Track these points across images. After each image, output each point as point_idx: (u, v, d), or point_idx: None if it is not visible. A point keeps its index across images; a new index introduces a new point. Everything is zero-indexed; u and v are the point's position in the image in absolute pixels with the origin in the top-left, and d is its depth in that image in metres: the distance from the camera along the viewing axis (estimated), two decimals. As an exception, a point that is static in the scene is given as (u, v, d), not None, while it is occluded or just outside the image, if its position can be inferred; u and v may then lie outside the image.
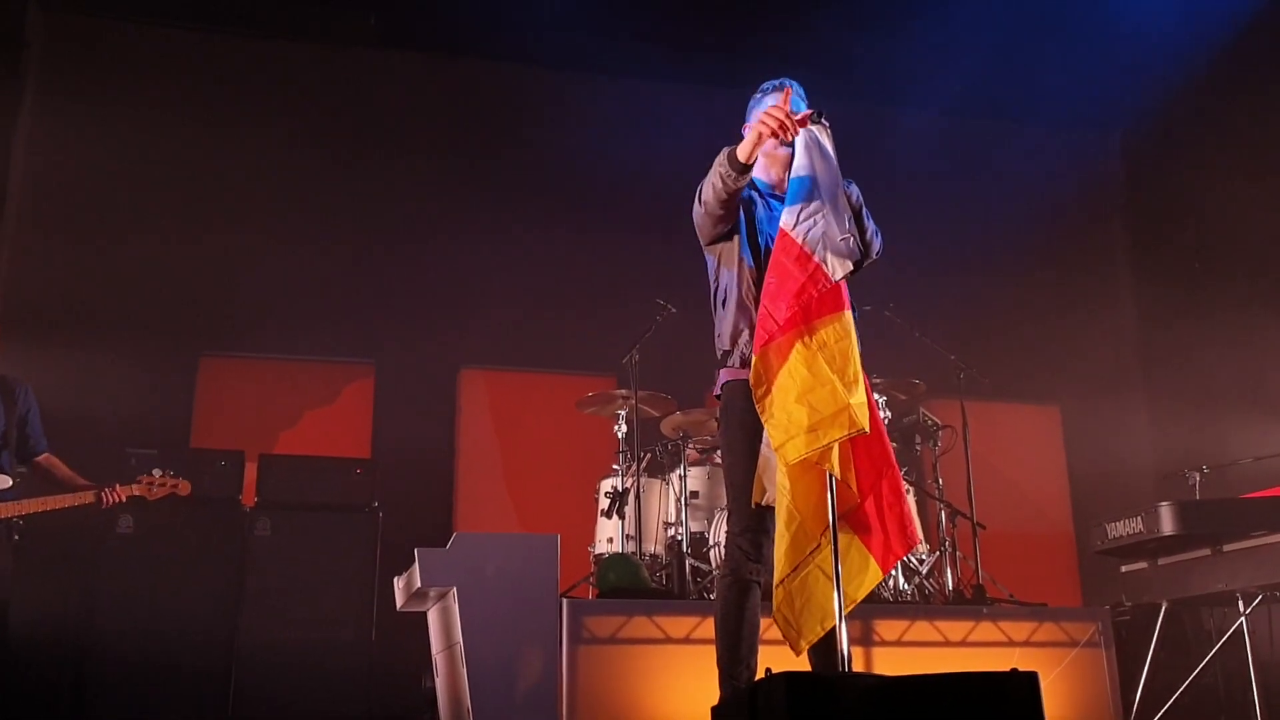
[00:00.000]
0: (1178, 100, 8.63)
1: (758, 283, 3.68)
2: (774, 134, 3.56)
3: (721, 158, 3.64)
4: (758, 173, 3.95)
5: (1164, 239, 9.31)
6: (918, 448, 6.92)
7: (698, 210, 3.81)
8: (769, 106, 3.60)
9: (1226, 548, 5.23)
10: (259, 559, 6.15)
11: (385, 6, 8.27)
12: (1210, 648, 5.57)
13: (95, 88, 7.99)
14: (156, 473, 5.48)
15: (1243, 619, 5.28)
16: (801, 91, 3.92)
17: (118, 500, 5.30)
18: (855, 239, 3.64)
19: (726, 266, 3.82)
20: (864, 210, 3.81)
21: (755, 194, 3.90)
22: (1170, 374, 9.02)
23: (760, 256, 3.75)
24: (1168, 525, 5.23)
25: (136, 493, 5.40)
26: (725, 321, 3.79)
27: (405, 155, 8.53)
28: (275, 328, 7.95)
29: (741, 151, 3.59)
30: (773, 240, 3.71)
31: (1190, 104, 8.61)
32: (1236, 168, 8.39)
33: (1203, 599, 5.59)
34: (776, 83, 3.93)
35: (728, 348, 3.77)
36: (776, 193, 3.91)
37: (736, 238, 3.79)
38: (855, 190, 3.81)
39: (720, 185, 3.65)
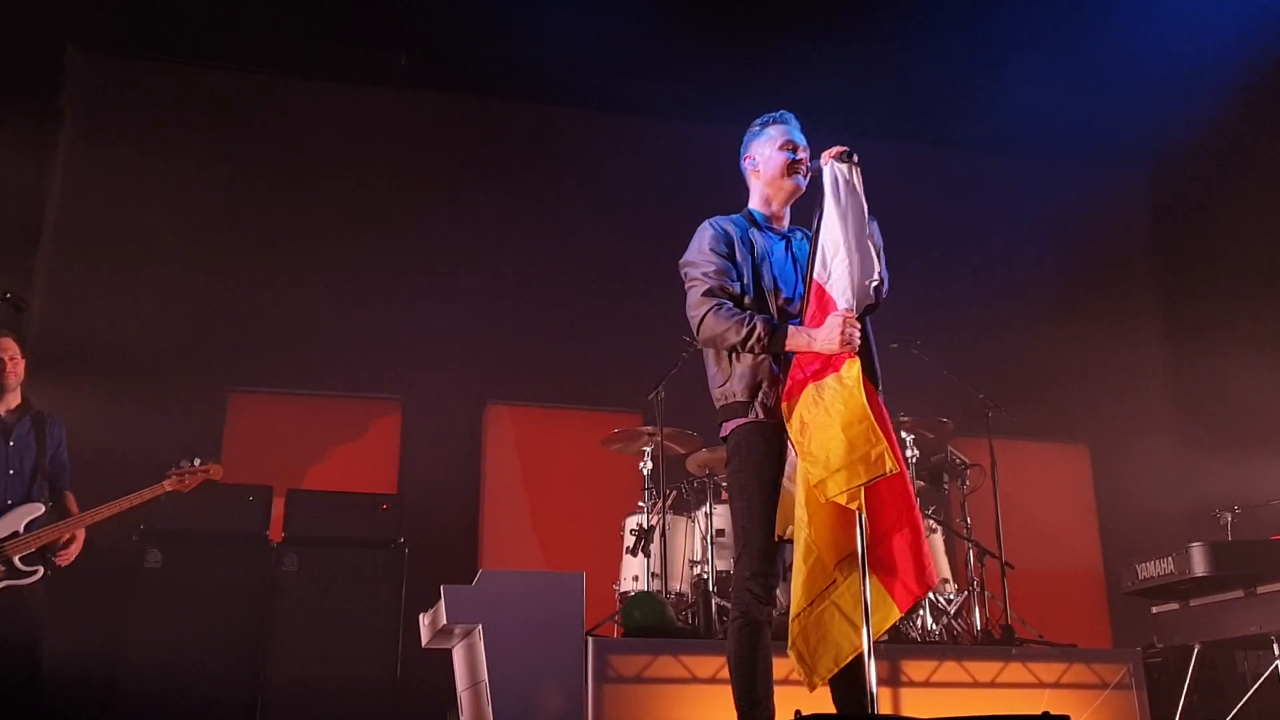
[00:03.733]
0: (1205, 136, 8.60)
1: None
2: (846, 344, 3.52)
3: (760, 330, 3.57)
4: (756, 204, 3.95)
5: (1192, 276, 9.26)
6: (946, 486, 6.88)
7: (699, 330, 3.73)
8: (841, 329, 3.52)
9: (1260, 589, 5.18)
10: (286, 594, 6.17)
11: (416, 47, 8.38)
12: (1244, 691, 5.49)
13: (129, 126, 8.10)
14: (185, 463, 5.49)
15: (1277, 662, 5.21)
16: (798, 124, 3.94)
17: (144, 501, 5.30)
18: (879, 282, 3.63)
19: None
20: (880, 253, 3.76)
21: (755, 230, 3.86)
22: (1200, 412, 8.94)
23: (775, 297, 3.74)
24: (1199, 566, 5.18)
25: (170, 488, 5.40)
26: (740, 374, 3.69)
27: (433, 193, 8.60)
28: (304, 364, 8.00)
29: (791, 344, 3.58)
30: (782, 273, 3.76)
31: (1218, 139, 8.58)
32: (1265, 203, 8.35)
33: (1236, 641, 5.52)
34: (773, 115, 3.95)
35: (744, 399, 3.67)
36: (774, 226, 3.91)
37: (746, 297, 3.73)
38: (876, 230, 3.78)
39: (739, 346, 3.63)
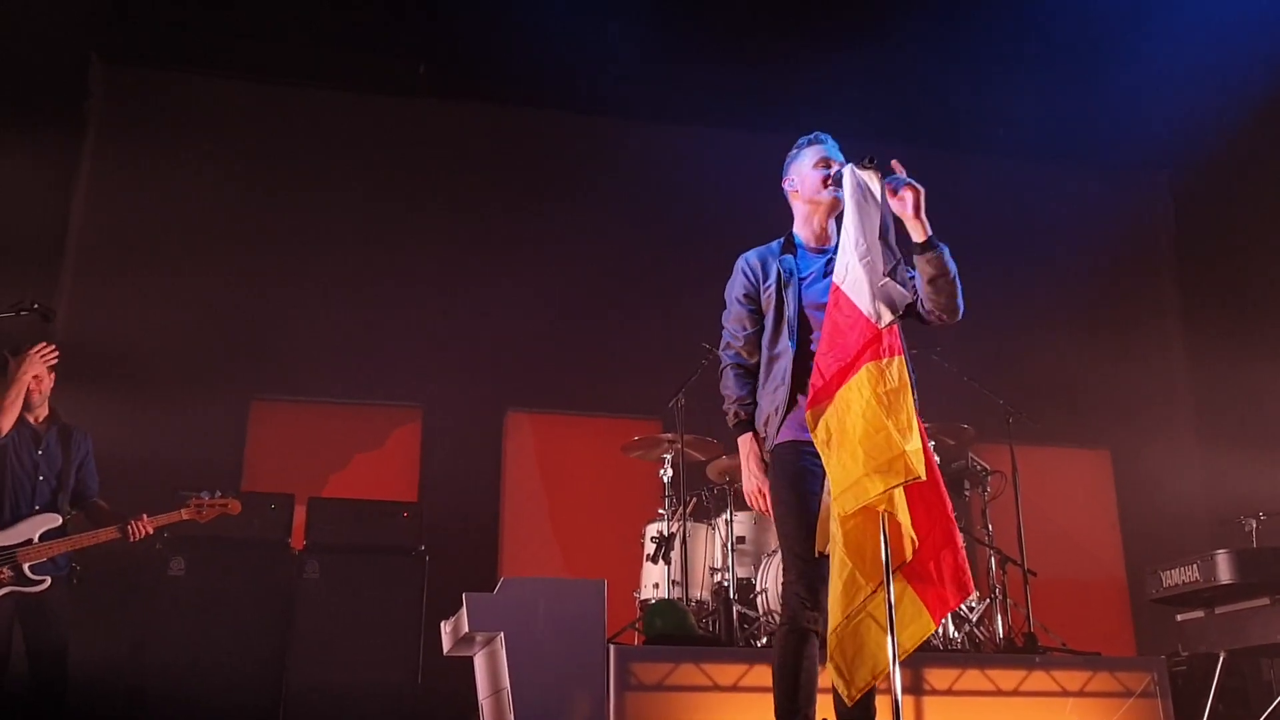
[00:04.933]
0: (1226, 141, 8.56)
1: (798, 361, 3.72)
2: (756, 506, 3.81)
3: (731, 417, 3.90)
4: (798, 228, 4.00)
5: (1215, 280, 9.21)
6: (966, 493, 6.85)
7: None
8: (756, 499, 3.80)
9: (1286, 597, 5.14)
10: (307, 601, 6.20)
11: (435, 57, 8.41)
12: (1271, 700, 5.45)
13: (152, 136, 8.17)
14: (205, 495, 5.54)
15: (1304, 670, 5.18)
16: (835, 144, 3.99)
17: (146, 533, 5.33)
18: (899, 284, 3.60)
19: (766, 347, 3.85)
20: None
21: (788, 255, 3.91)
22: (1223, 417, 8.88)
23: (805, 329, 3.78)
24: (1225, 574, 5.16)
25: (186, 516, 5.46)
26: (759, 412, 3.84)
27: (454, 200, 8.63)
28: (325, 372, 8.05)
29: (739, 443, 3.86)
30: (809, 293, 3.80)
31: (1239, 144, 8.53)
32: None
33: (1262, 649, 5.48)
34: (810, 137, 4.01)
35: (763, 433, 3.81)
36: (815, 246, 3.94)
37: (768, 327, 3.84)
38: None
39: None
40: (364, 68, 8.47)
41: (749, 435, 3.82)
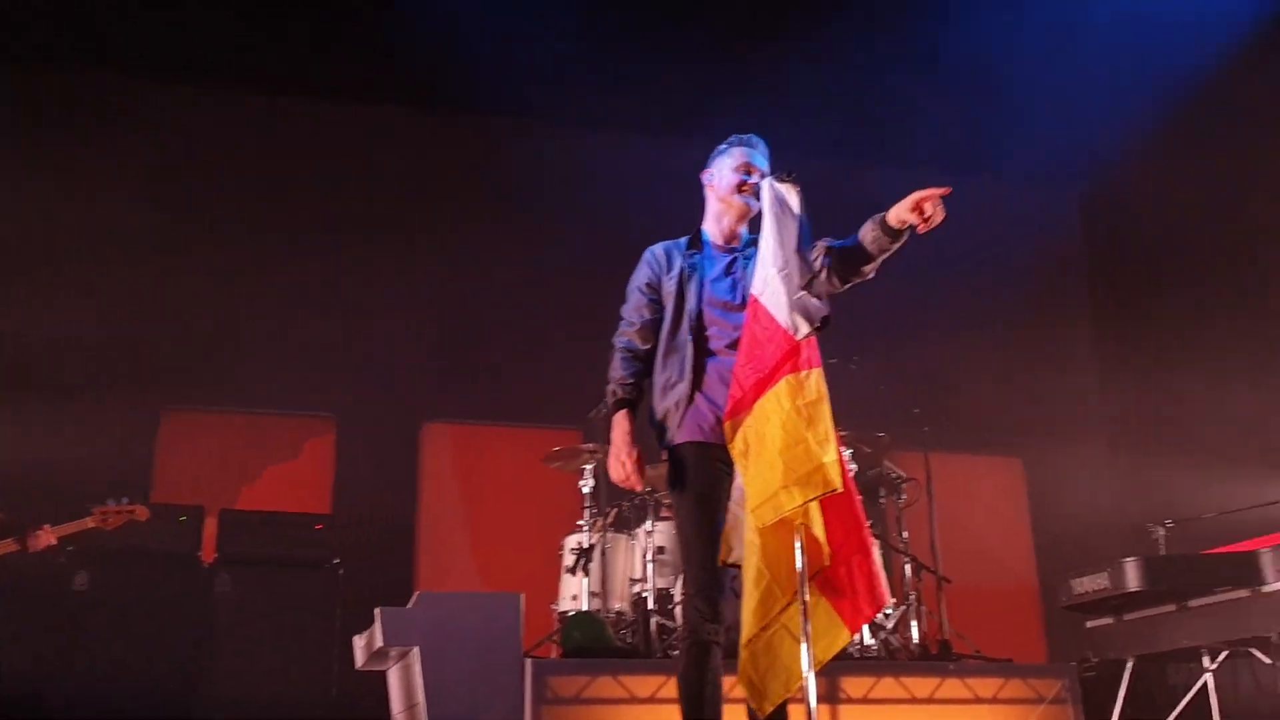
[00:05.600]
0: (1134, 156, 8.76)
1: (696, 357, 3.73)
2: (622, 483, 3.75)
3: (609, 396, 3.79)
4: (708, 224, 4.00)
5: (1124, 291, 9.42)
6: (881, 501, 6.91)
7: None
8: (617, 469, 3.72)
9: (1191, 603, 5.25)
10: (219, 615, 6.08)
11: (375, 62, 8.27)
12: (1176, 704, 5.56)
13: (60, 140, 7.95)
14: (111, 502, 5.40)
15: (1208, 675, 5.30)
16: (765, 149, 3.99)
17: (49, 544, 5.17)
18: (816, 299, 3.62)
19: (665, 339, 3.83)
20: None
21: (694, 251, 3.92)
22: (1134, 427, 9.08)
23: (703, 325, 3.78)
24: (1133, 581, 5.24)
25: (92, 525, 5.32)
26: (657, 403, 3.80)
27: (369, 207, 8.51)
28: (237, 381, 7.88)
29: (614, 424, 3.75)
30: (712, 292, 3.81)
31: (1147, 159, 8.74)
32: (1194, 219, 8.52)
33: (1169, 655, 5.59)
34: (743, 137, 4.00)
35: (660, 426, 3.79)
36: (721, 244, 3.94)
37: (667, 319, 3.82)
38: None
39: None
40: (282, 68, 8.30)
41: (625, 412, 3.77)
